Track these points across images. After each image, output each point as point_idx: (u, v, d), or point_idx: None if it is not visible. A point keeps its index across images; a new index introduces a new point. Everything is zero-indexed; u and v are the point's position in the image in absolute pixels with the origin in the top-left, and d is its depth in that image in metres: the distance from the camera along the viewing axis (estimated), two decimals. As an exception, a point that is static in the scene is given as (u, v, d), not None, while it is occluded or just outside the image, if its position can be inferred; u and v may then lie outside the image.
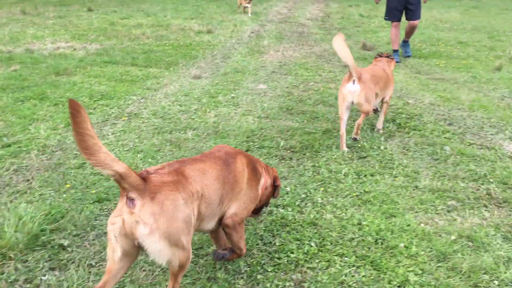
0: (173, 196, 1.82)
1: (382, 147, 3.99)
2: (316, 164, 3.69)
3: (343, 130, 3.93)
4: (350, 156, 3.84)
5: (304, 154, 3.90)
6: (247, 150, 3.97)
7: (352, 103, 3.86)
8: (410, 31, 7.55)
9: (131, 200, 1.76)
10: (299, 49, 8.63)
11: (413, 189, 3.27)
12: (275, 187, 2.55)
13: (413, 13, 7.23)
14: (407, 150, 3.97)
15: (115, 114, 4.81)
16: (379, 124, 4.42)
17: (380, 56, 4.73)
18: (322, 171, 3.56)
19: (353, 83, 3.80)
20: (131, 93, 5.53)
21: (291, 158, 3.83)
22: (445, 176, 3.47)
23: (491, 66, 7.03)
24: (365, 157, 3.82)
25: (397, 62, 7.21)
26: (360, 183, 3.36)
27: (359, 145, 4.03)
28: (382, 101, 4.31)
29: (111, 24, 10.75)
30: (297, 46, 8.88)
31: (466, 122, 4.63)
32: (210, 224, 2.15)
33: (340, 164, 3.69)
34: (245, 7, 13.19)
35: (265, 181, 2.45)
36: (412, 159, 3.77)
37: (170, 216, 1.78)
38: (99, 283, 1.88)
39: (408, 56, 7.70)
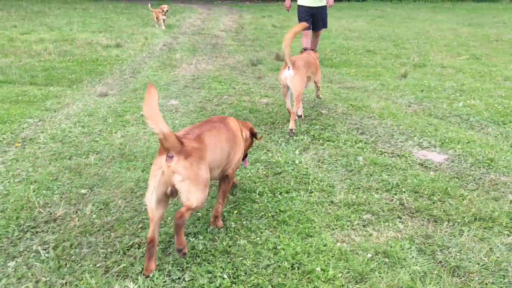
0: (198, 158, 2.43)
1: (297, 161, 3.89)
2: (230, 184, 3.50)
3: (288, 105, 4.80)
4: (265, 172, 3.70)
5: (217, 174, 3.70)
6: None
7: (287, 87, 4.70)
8: (314, 41, 7.82)
9: (170, 157, 2.34)
10: (212, 61, 8.46)
11: (329, 205, 3.17)
12: (252, 135, 3.25)
13: (318, 23, 7.64)
14: (322, 162, 3.90)
15: (6, 141, 4.31)
16: (318, 94, 5.53)
17: (305, 50, 5.58)
18: (236, 192, 3.37)
19: (288, 69, 4.65)
20: (27, 115, 5.03)
21: (203, 179, 3.61)
22: (359, 188, 3.42)
23: (397, 73, 7.29)
24: (280, 173, 3.69)
25: None
26: (276, 202, 3.21)
27: (274, 160, 3.91)
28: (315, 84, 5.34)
29: (10, 40, 9.94)
30: (210, 59, 8.71)
31: (377, 130, 4.67)
32: (218, 174, 2.81)
33: (255, 182, 3.53)
34: (163, 19, 12.93)
35: (245, 134, 3.14)
36: (327, 172, 3.70)
37: (195, 171, 2.39)
38: (149, 233, 2.42)
39: None
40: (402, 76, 6.96)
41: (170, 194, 2.39)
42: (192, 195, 2.36)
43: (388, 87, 6.43)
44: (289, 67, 4.61)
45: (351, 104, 5.54)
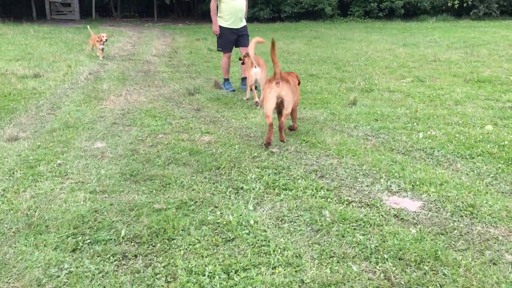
0: (292, 85, 4.74)
1: (252, 221, 3.20)
2: (171, 262, 2.75)
3: (253, 93, 6.82)
4: (214, 240, 2.98)
5: (153, 246, 2.93)
6: (74, 250, 2.87)
7: (256, 80, 6.57)
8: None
9: (277, 83, 4.55)
10: (145, 91, 7.65)
11: (299, 286, 2.50)
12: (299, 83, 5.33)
13: (244, 41, 7.82)
14: (282, 221, 3.24)
15: None
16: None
17: (246, 56, 7.15)
18: (180, 274, 2.62)
19: (255, 68, 6.48)
20: None
21: (135, 256, 2.82)
22: (332, 257, 2.78)
23: (345, 100, 6.85)
24: (233, 240, 2.99)
25: (231, 91, 7.75)
26: (232, 287, 2.50)
27: (225, 222, 3.20)
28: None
29: None
30: (142, 88, 7.90)
31: (338, 172, 4.10)
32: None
33: (203, 256, 2.79)
34: (101, 49, 11.11)
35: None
36: (290, 235, 3.04)
37: (292, 90, 4.67)
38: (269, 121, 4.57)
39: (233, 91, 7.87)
40: (351, 103, 6.51)
41: (280, 103, 4.64)
42: (288, 105, 4.69)
43: (339, 116, 5.93)
44: (255, 66, 6.46)
45: (304, 140, 4.96)
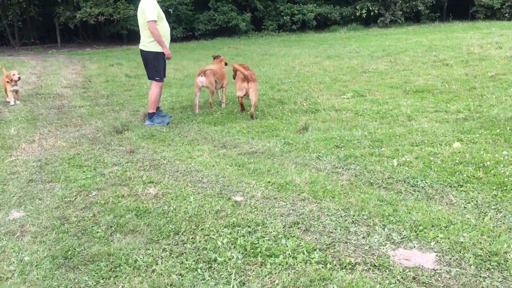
0: (255, 83, 6.80)
1: (244, 314, 2.44)
2: None
3: (196, 101, 7.50)
4: None
5: None
6: None
7: (202, 86, 7.38)
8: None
9: (248, 82, 6.66)
10: (62, 133, 6.57)
11: None
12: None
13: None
14: (281, 307, 2.51)
15: None
16: (224, 100, 8.05)
17: (218, 57, 8.16)
18: None
19: (201, 76, 7.26)
20: None
21: None
22: None
23: (294, 124, 6.28)
24: None
25: (167, 123, 6.84)
26: None
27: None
28: (222, 86, 7.93)
29: None
30: (59, 129, 6.79)
31: (323, 222, 3.44)
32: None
33: None
34: (13, 91, 8.86)
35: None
36: (300, 329, 2.32)
37: (256, 87, 6.79)
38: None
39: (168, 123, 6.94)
40: (303, 128, 5.94)
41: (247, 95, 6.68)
42: (255, 98, 6.77)
43: (296, 146, 5.32)
44: (201, 75, 7.31)
45: (269, 182, 4.26)
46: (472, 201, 3.61)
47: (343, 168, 4.53)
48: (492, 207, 3.48)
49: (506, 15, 25.03)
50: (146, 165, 4.99)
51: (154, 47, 6.68)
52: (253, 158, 5.01)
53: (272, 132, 6.00)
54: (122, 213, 3.77)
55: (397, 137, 5.37)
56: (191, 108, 7.72)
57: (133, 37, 28.05)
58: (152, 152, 5.46)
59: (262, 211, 3.68)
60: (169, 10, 23.29)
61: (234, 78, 7.64)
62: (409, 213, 3.46)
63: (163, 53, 6.74)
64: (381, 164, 4.52)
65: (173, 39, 24.33)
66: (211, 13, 25.11)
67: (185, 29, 25.30)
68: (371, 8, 25.73)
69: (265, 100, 8.04)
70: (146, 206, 3.88)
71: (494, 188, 3.78)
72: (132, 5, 25.02)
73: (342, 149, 5.08)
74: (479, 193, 3.72)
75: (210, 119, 6.89)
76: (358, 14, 26.10)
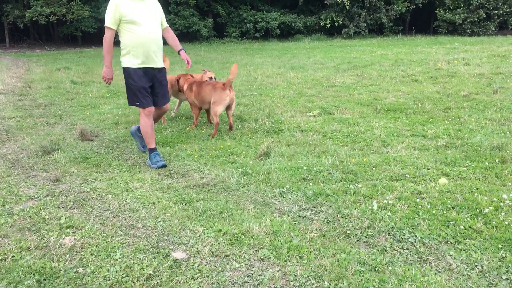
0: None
1: None
2: None
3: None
4: None
5: None
6: None
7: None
8: (158, 117, 5.44)
9: (230, 90, 5.90)
10: (-23, 153, 5.46)
11: None
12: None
13: (163, 94, 5.17)
14: None
15: None
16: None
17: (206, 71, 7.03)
18: None
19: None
20: None
21: None
22: None
23: (255, 147, 5.44)
24: None
25: (162, 165, 4.87)
26: None
27: None
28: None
29: None
30: (-26, 148, 5.68)
31: (288, 297, 2.60)
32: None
33: None
34: None
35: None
36: None
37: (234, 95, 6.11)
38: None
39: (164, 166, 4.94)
40: (264, 154, 5.11)
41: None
42: (235, 107, 6.42)
43: (255, 177, 4.47)
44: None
45: (220, 230, 3.38)
46: (476, 266, 2.84)
47: (312, 210, 3.70)
48: (503, 276, 2.73)
49: (468, 30, 25.19)
50: (70, 201, 4.02)
51: (127, 62, 4.82)
52: (203, 193, 4.13)
53: (229, 157, 5.13)
54: (21, 278, 2.80)
55: (373, 168, 4.62)
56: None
57: (88, 39, 26.63)
58: (81, 182, 4.49)
59: (208, 276, 2.80)
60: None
61: (181, 91, 6.70)
62: (400, 285, 2.65)
63: (140, 69, 4.81)
64: (358, 206, 3.72)
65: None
66: (171, 17, 24.04)
67: (143, 33, 24.12)
68: (335, 19, 25.37)
69: (223, 116, 7.17)
70: (55, 267, 2.92)
71: (500, 246, 3.03)
72: (87, 6, 23.69)
73: (311, 183, 4.27)
74: (482, 253, 2.97)
75: (158, 138, 5.95)
76: (322, 24, 25.68)
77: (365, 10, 25.27)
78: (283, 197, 3.99)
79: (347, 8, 24.60)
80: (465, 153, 5.00)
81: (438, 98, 8.27)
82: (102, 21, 5.33)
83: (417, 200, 3.77)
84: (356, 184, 4.18)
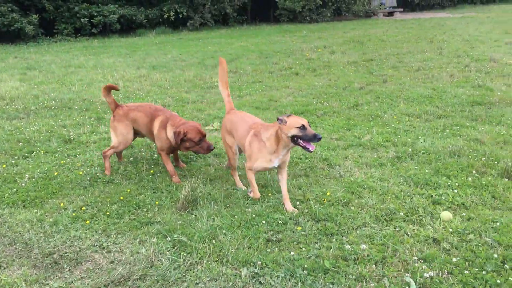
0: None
1: None
2: None
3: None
4: None
5: None
6: None
7: None
8: None
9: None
10: None
11: None
12: None
13: None
14: None
15: None
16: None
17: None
18: None
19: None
20: None
21: None
22: None
23: (168, 194, 3.90)
24: None
25: None
26: None
27: None
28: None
29: None
30: None
31: None
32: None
33: None
34: None
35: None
36: None
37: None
38: None
39: None
40: (189, 203, 3.61)
41: None
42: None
43: (197, 249, 2.99)
44: None
45: None
46: None
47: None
48: None
49: (307, 18, 25.93)
50: None
51: None
52: None
53: (138, 215, 3.52)
54: None
55: (345, 206, 3.47)
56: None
57: None
58: None
59: None
60: None
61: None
62: None
63: None
64: (384, 287, 2.53)
65: None
66: (-17, 14, 19.92)
67: None
68: (179, 11, 23.83)
69: (100, 141, 5.35)
70: None
71: None
72: None
73: (287, 249, 2.94)
74: None
75: (8, 194, 3.98)
76: (165, 16, 23.94)
77: (209, 1, 24.28)
78: (260, 283, 2.60)
79: (190, -2, 23.33)
80: (430, 166, 4.17)
81: (336, 93, 7.55)
82: None
83: (450, 259, 2.72)
84: (349, 244, 2.98)
